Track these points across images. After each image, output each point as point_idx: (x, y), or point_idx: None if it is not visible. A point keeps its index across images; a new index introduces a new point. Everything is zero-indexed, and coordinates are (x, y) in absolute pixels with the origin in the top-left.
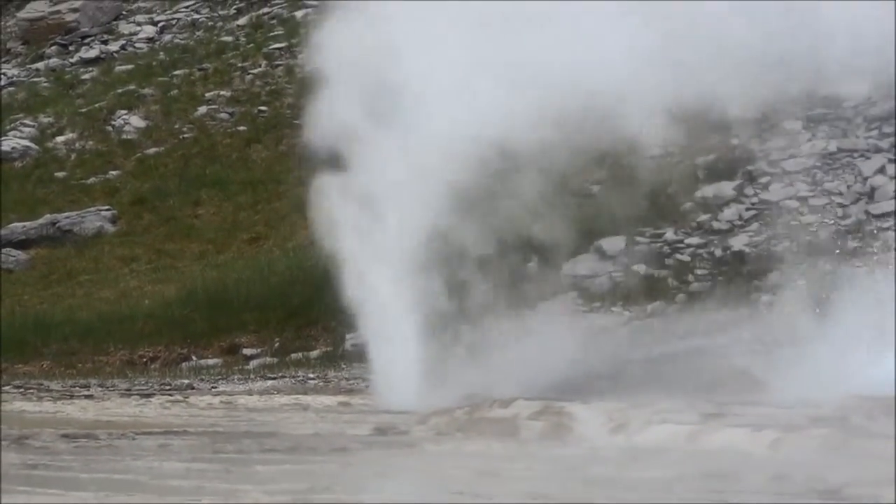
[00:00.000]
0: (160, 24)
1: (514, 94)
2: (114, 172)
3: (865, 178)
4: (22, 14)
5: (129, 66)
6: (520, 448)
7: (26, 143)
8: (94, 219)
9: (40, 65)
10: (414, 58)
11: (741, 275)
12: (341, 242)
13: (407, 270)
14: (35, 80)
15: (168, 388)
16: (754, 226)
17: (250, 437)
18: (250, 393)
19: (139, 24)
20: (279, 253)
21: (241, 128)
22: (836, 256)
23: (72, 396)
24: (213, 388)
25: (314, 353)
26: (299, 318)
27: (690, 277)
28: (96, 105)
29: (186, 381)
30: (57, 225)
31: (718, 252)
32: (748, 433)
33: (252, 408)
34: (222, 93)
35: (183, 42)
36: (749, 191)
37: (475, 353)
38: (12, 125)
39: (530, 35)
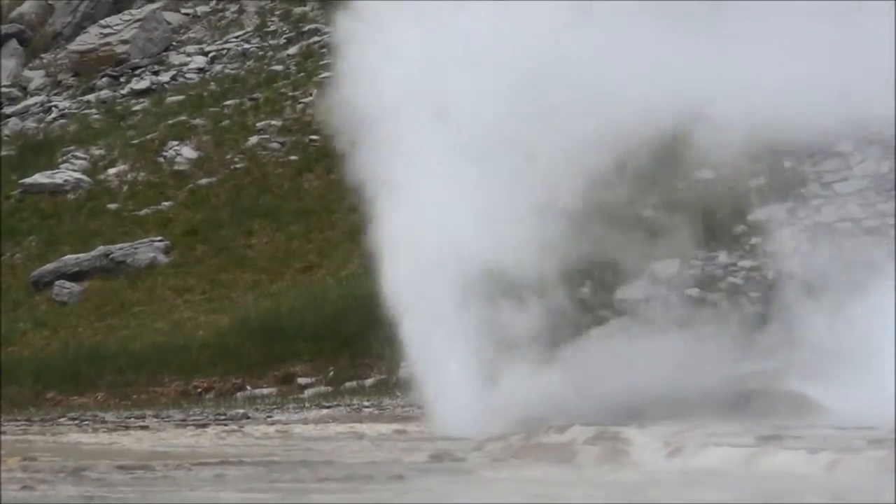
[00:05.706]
0: (210, 55)
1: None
2: (166, 203)
3: None
4: (72, 46)
5: (180, 97)
6: (576, 473)
7: (78, 175)
8: (147, 250)
9: (91, 96)
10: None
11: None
12: (393, 270)
13: (461, 297)
14: (86, 111)
15: (223, 417)
16: (807, 248)
17: (306, 466)
18: (305, 422)
19: (189, 54)
20: (332, 282)
21: (293, 157)
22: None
23: (127, 427)
24: (268, 417)
25: (369, 381)
26: (353, 347)
27: (744, 300)
28: (147, 136)
29: (241, 411)
30: (110, 256)
31: (771, 275)
32: (804, 455)
33: (308, 437)
34: (273, 122)
35: (233, 72)
36: (801, 213)
37: (530, 379)
38: (64, 158)
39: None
